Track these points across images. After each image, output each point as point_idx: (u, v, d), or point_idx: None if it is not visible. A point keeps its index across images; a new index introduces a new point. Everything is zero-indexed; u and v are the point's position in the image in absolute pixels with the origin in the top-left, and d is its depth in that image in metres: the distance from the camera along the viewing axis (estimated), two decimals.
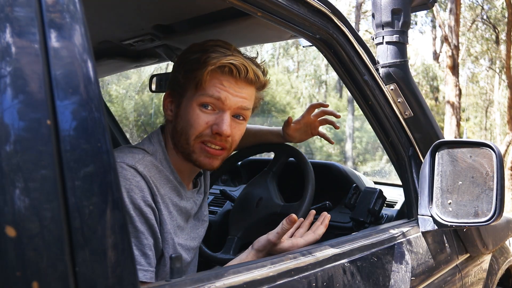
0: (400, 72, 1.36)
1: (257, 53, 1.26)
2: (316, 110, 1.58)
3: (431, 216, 1.34)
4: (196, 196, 1.27)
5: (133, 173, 1.03)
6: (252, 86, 1.17)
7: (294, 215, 1.07)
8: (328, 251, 0.99)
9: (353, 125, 18.24)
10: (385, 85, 1.37)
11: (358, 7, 18.67)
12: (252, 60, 1.19)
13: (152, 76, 1.97)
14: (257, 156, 2.00)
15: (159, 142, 1.18)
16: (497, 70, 17.52)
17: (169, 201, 1.13)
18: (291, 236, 1.16)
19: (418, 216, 1.40)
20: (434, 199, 1.35)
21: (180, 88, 1.16)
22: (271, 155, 1.75)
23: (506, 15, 11.52)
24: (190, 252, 1.22)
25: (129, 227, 0.98)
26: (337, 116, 1.54)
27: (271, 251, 1.09)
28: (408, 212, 1.47)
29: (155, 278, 1.10)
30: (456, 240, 1.58)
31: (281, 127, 1.62)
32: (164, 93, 1.24)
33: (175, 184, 1.15)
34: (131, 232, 1.00)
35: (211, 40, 1.17)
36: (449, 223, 1.31)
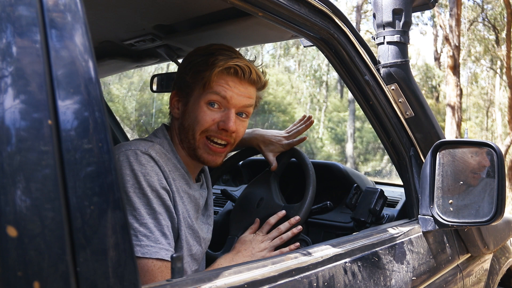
0: (401, 72, 1.36)
1: (255, 57, 1.35)
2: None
3: (432, 216, 1.34)
4: (200, 189, 1.32)
5: (147, 158, 1.10)
6: (254, 86, 1.25)
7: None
8: (329, 251, 0.99)
9: (354, 125, 18.24)
10: (386, 85, 1.37)
11: (359, 7, 18.67)
12: (253, 62, 1.27)
13: (153, 76, 1.98)
14: (258, 156, 2.00)
15: (164, 135, 1.25)
16: (498, 70, 17.51)
17: (180, 187, 1.18)
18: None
19: (419, 216, 1.39)
20: (435, 199, 1.34)
21: (188, 88, 1.23)
22: None
23: (505, 15, 11.51)
24: (203, 242, 1.27)
25: (147, 209, 1.03)
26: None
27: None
28: (409, 212, 1.47)
29: None
30: (457, 240, 1.58)
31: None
32: (170, 93, 1.31)
33: (183, 172, 1.22)
34: (149, 214, 1.04)
35: (215, 44, 1.25)
36: (450, 223, 1.31)
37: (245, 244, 1.31)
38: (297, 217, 1.38)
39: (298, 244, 1.33)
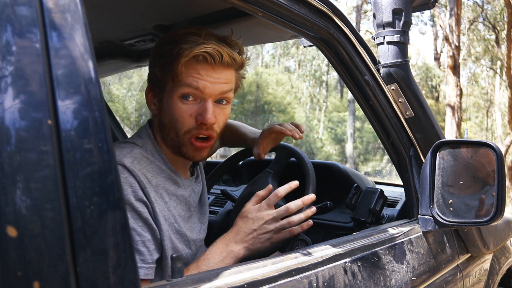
0: (401, 72, 1.36)
1: (231, 30, 1.22)
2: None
3: (432, 216, 1.34)
4: (194, 184, 1.28)
5: (120, 169, 1.03)
6: (230, 68, 1.14)
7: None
8: (329, 251, 0.99)
9: (354, 125, 18.25)
10: (386, 85, 1.37)
11: (359, 7, 18.67)
12: (226, 40, 1.15)
13: None
14: None
15: (147, 135, 1.18)
16: (498, 70, 17.51)
17: (164, 191, 1.13)
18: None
19: (419, 216, 1.39)
20: (435, 199, 1.34)
21: (159, 82, 1.15)
22: (272, 155, 1.75)
23: (506, 15, 11.51)
24: (192, 244, 1.22)
25: None
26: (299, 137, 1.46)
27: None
28: (409, 212, 1.47)
29: (160, 271, 1.10)
30: (457, 240, 1.58)
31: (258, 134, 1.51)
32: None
33: (169, 173, 1.16)
34: None
35: (181, 28, 1.16)
36: (450, 223, 1.31)
37: (247, 222, 1.14)
38: (312, 195, 1.20)
39: (311, 222, 1.20)
